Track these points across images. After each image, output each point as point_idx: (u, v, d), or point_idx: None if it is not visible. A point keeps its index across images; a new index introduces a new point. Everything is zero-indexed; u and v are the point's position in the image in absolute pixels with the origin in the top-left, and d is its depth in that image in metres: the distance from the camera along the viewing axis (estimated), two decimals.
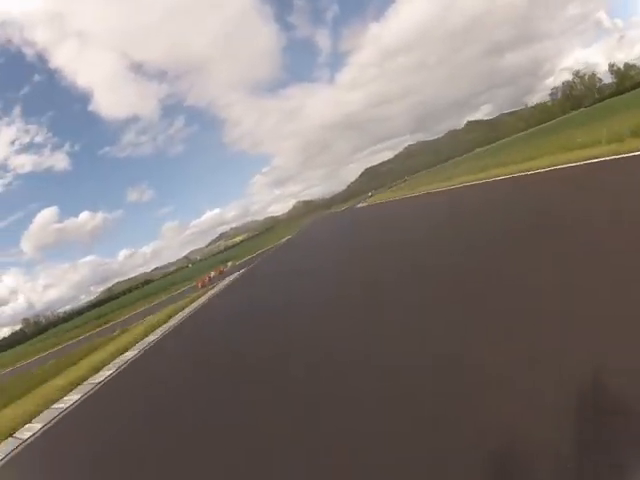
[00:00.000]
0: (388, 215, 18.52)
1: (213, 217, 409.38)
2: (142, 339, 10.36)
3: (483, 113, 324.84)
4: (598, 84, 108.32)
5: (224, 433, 3.09)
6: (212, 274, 25.57)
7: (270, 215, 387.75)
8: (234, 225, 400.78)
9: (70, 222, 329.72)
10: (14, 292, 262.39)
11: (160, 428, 3.77)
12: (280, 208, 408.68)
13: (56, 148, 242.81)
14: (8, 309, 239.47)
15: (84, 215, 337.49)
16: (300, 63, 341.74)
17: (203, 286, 20.92)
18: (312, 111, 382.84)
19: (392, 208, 21.46)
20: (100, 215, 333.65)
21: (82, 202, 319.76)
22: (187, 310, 13.06)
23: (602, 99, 73.27)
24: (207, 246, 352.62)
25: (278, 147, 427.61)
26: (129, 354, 8.85)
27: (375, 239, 10.98)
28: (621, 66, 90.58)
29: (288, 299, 7.52)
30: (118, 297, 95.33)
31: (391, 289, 5.00)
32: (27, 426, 5.91)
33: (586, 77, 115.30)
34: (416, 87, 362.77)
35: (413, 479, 1.83)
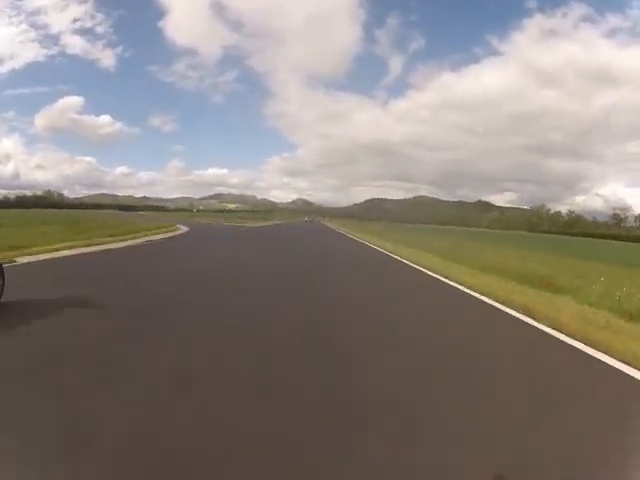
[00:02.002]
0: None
1: (217, 175, 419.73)
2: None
3: (504, 199, 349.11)
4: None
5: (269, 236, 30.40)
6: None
7: (269, 199, 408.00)
8: (233, 192, 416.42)
9: (89, 119, 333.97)
10: (7, 157, 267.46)
11: (252, 232, 31.01)
12: (281, 196, 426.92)
13: (110, 45, 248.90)
14: None
15: (104, 118, 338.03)
16: (364, 75, 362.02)
17: None
18: (354, 123, 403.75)
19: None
20: (118, 125, 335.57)
21: (108, 105, 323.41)
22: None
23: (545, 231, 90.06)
24: (200, 199, 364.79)
25: (307, 141, 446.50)
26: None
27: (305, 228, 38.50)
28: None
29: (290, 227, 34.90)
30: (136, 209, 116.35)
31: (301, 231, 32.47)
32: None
33: (550, 212, 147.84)
34: (456, 147, 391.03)
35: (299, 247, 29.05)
